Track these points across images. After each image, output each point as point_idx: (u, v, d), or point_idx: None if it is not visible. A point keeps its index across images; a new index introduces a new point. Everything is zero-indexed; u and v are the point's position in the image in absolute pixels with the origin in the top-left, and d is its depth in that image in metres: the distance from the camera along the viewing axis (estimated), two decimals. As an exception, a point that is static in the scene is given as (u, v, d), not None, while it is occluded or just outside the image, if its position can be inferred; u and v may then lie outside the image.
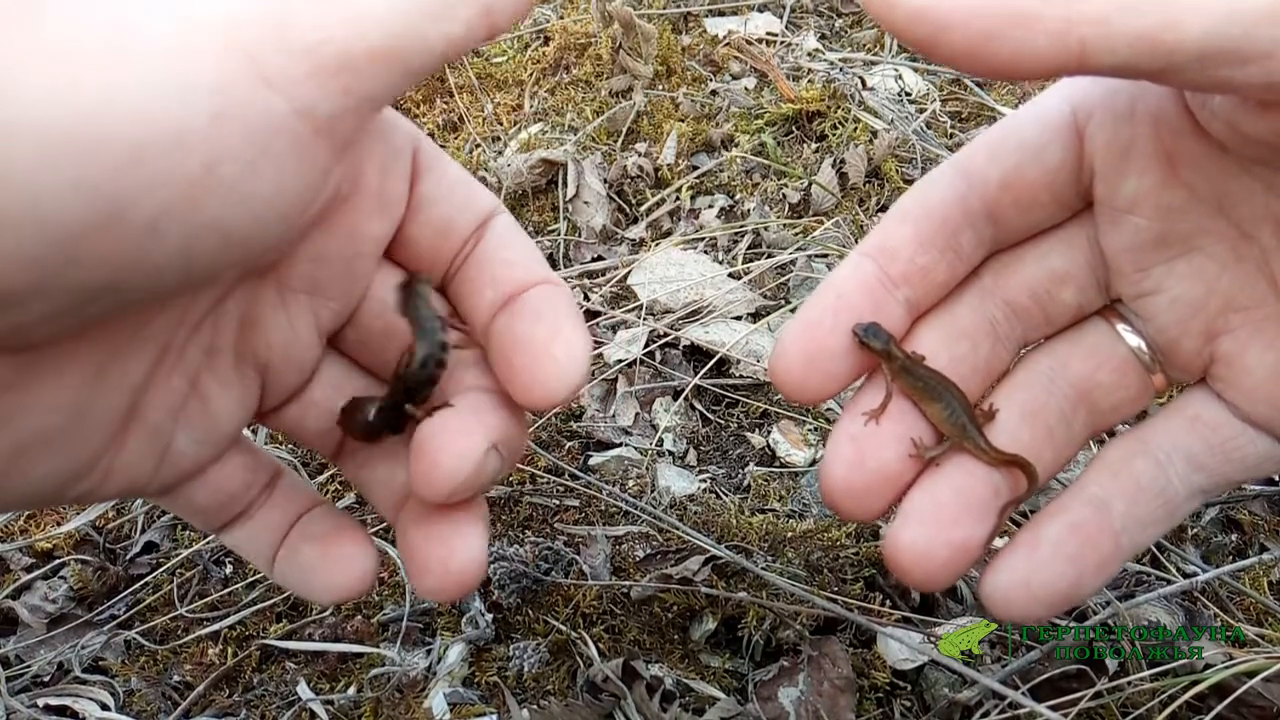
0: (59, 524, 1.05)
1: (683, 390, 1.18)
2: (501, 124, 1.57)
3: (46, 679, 0.95)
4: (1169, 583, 0.93)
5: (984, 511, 0.55)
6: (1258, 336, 0.53)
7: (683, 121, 1.52)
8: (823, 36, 1.71)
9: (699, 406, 1.18)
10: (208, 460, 0.52)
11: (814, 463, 1.11)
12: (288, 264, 0.51)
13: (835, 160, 1.44)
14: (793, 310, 1.24)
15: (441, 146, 0.98)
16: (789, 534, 1.00)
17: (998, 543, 0.58)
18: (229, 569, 1.03)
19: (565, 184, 1.42)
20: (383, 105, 0.43)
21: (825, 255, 1.31)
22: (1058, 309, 0.58)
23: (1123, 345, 0.57)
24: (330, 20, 0.38)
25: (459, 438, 0.50)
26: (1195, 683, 0.80)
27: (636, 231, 1.41)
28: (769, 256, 1.33)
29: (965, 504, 0.55)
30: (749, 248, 1.36)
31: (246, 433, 0.57)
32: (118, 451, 0.47)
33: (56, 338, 0.40)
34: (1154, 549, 0.98)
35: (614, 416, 1.17)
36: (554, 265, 1.33)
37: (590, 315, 1.25)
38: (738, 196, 1.44)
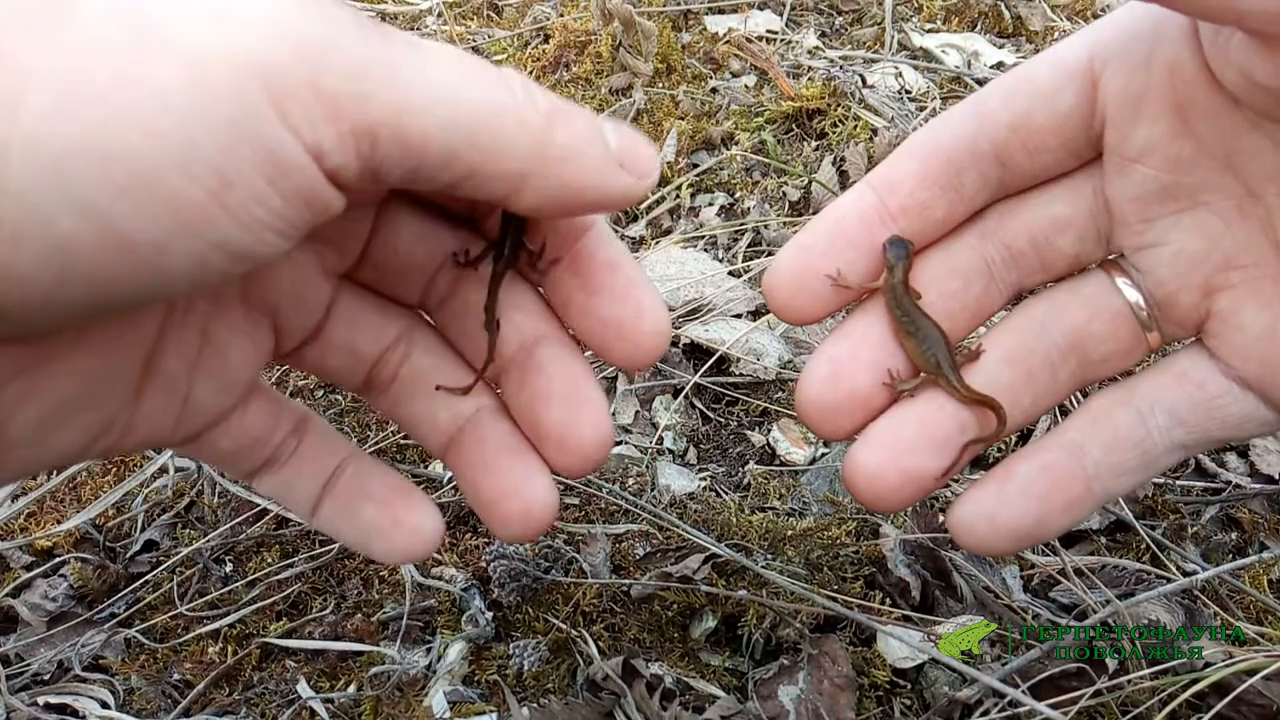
0: (59, 522, 1.05)
1: (683, 388, 1.18)
2: (501, 122, 1.57)
3: (46, 677, 0.95)
4: (1169, 581, 0.93)
5: (944, 445, 0.56)
6: (1255, 295, 0.54)
7: (683, 119, 1.51)
8: (823, 34, 1.71)
9: (699, 404, 1.18)
10: (228, 407, 0.53)
11: (814, 461, 1.11)
12: None
13: (835, 158, 1.43)
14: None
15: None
16: (789, 532, 1.00)
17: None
18: (229, 567, 1.03)
19: (565, 182, 1.42)
20: (394, 183, 0.41)
21: (825, 253, 1.31)
22: (1055, 256, 0.59)
23: (1119, 298, 0.58)
24: (372, 77, 0.37)
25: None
26: (1195, 681, 0.80)
27: (637, 229, 1.41)
28: (769, 255, 1.33)
29: (926, 435, 0.56)
30: (749, 246, 1.36)
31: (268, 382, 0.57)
32: (138, 406, 0.48)
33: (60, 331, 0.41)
34: (1154, 547, 0.98)
35: (614, 414, 1.17)
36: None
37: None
38: (738, 194, 1.44)
